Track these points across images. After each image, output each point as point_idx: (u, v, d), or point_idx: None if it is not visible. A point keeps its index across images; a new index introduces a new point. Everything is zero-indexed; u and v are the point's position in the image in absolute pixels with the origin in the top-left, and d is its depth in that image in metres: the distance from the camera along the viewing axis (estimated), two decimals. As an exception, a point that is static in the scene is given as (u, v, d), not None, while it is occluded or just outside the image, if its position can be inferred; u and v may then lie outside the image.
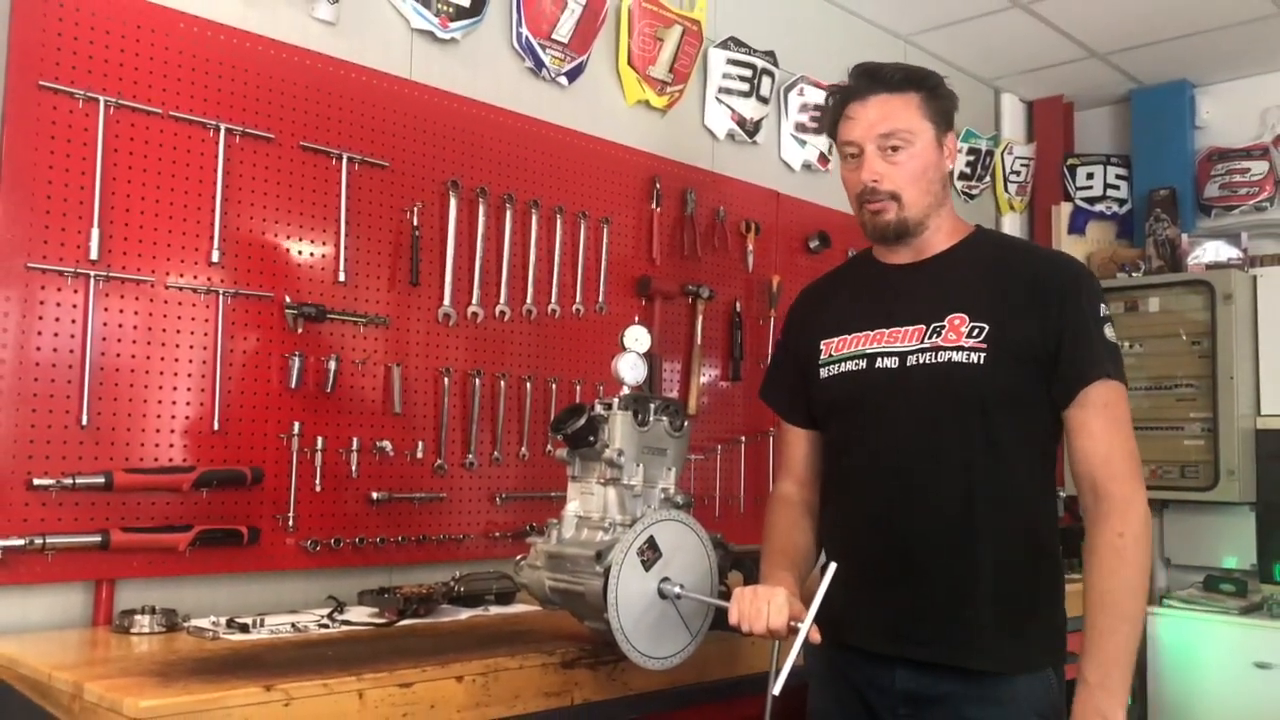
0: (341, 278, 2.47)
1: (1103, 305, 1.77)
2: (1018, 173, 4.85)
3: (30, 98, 2.06)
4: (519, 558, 2.04)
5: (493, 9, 2.85)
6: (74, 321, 2.10)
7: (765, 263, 3.52)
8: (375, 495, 2.49)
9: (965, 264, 1.84)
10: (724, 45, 3.49)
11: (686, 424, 2.08)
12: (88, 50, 2.13)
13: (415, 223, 2.61)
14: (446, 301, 2.66)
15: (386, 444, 2.50)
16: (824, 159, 3.79)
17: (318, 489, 2.40)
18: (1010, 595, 1.72)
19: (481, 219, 2.73)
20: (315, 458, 2.39)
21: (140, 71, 2.20)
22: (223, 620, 2.06)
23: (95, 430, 2.11)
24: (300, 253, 2.42)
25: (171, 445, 2.21)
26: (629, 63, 3.20)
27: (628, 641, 1.77)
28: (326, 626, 2.10)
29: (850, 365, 1.85)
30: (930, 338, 1.77)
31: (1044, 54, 4.43)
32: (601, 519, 1.95)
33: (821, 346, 1.91)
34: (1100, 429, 1.71)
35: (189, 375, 2.24)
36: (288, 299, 2.38)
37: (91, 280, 2.11)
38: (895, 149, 1.79)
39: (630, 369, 2.03)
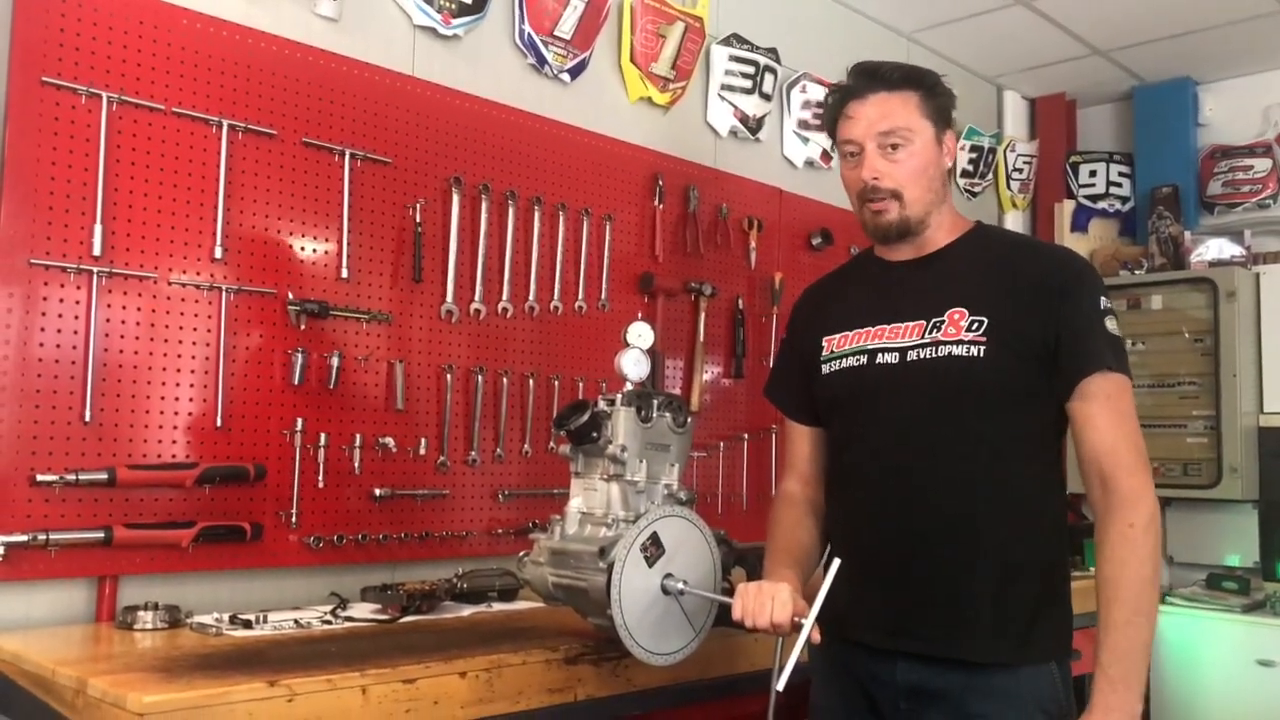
0: (344, 274, 2.47)
1: (1104, 298, 1.77)
2: (1020, 170, 4.85)
3: (33, 93, 2.06)
4: (522, 554, 2.04)
5: (495, 6, 2.84)
6: (77, 318, 2.09)
7: (768, 260, 3.52)
8: (378, 492, 2.49)
9: (966, 259, 1.84)
10: (726, 42, 3.49)
11: (690, 420, 2.08)
12: (90, 46, 2.13)
13: (418, 219, 2.61)
14: (449, 298, 2.66)
15: (389, 440, 2.49)
16: (826, 156, 3.79)
17: (320, 485, 2.39)
18: (1012, 589, 1.72)
19: (484, 216, 2.73)
20: (318, 454, 2.39)
21: (143, 67, 2.20)
22: (226, 616, 2.06)
23: (98, 426, 2.11)
24: (303, 249, 2.42)
25: (174, 442, 2.21)
26: (631, 59, 3.20)
27: (631, 638, 1.77)
28: (330, 623, 2.10)
29: (851, 361, 1.86)
30: (930, 332, 1.78)
31: (1046, 51, 4.42)
32: (605, 515, 1.95)
33: (824, 343, 1.91)
34: (1105, 421, 1.71)
35: (192, 371, 2.24)
36: (290, 295, 2.38)
37: (94, 276, 2.11)
38: (895, 147, 1.80)
39: (633, 365, 2.03)
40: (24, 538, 1.98)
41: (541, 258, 2.86)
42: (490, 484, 2.73)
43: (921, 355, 1.77)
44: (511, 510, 2.76)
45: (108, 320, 2.13)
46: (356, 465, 2.45)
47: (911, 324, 1.80)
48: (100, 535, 2.06)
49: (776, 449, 3.36)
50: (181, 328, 2.23)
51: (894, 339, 1.81)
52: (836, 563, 1.64)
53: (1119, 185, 4.77)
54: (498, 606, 2.37)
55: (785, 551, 1.88)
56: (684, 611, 1.85)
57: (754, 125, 3.58)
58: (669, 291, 3.18)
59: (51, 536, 2.01)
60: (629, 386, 2.01)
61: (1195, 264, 4.33)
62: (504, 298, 2.77)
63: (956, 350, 1.74)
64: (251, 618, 2.05)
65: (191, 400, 2.24)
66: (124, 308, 2.16)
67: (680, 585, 1.82)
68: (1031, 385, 1.74)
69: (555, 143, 2.94)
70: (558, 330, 2.90)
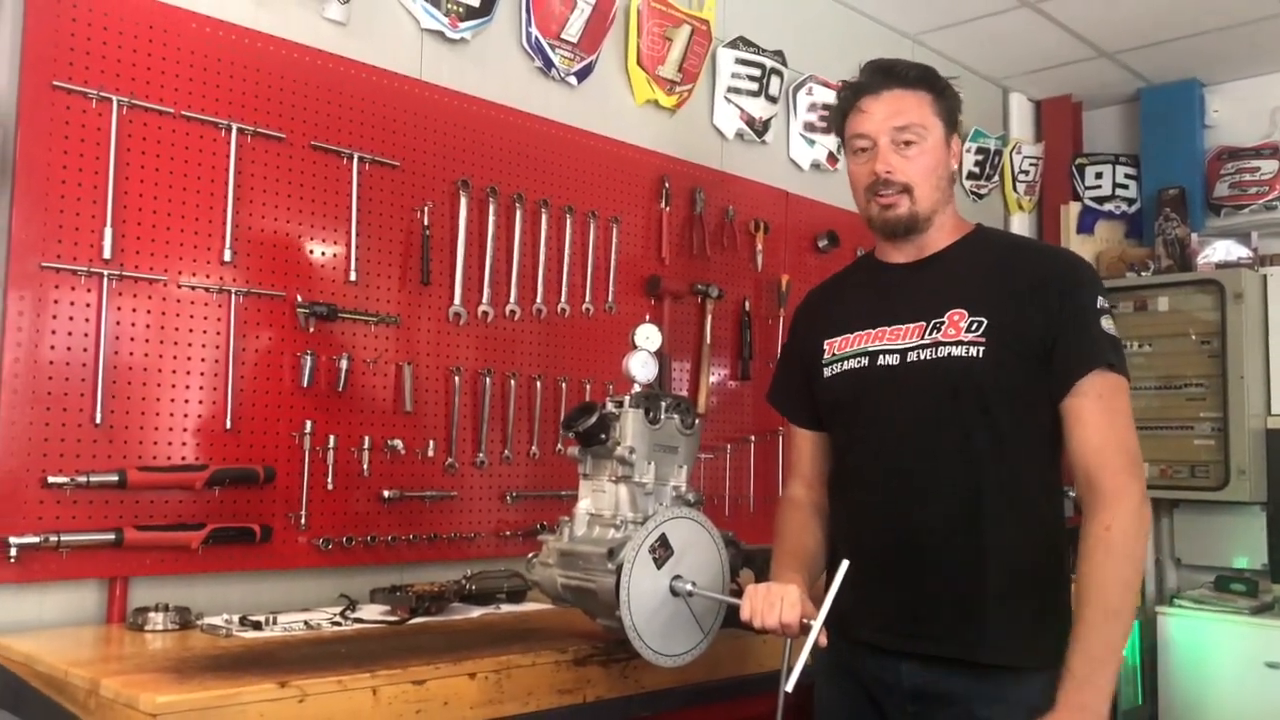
0: (353, 277, 2.48)
1: (1101, 298, 1.77)
2: (1026, 172, 4.85)
3: (44, 98, 2.07)
4: (531, 555, 2.05)
5: (502, 9, 2.85)
6: (87, 320, 2.10)
7: (774, 262, 3.52)
8: (386, 494, 2.49)
9: (965, 261, 1.85)
10: (733, 45, 3.49)
11: (698, 422, 2.08)
12: (100, 50, 2.14)
13: (426, 222, 2.62)
14: (457, 301, 2.66)
15: (398, 443, 2.50)
16: (833, 158, 3.79)
17: (329, 487, 2.40)
18: (1018, 590, 1.72)
19: (491, 218, 2.74)
20: (327, 456, 2.40)
21: (153, 71, 2.21)
22: (235, 618, 2.07)
23: (109, 429, 2.12)
24: (312, 252, 2.43)
25: (184, 444, 2.22)
26: (638, 62, 3.21)
27: (640, 639, 1.78)
28: (339, 624, 2.11)
29: (852, 363, 1.86)
30: (930, 334, 1.78)
31: (1052, 53, 4.42)
32: (613, 516, 1.95)
33: (825, 346, 1.92)
34: (1094, 420, 1.70)
35: (201, 374, 2.25)
36: (299, 298, 2.39)
37: (105, 279, 2.12)
38: (909, 143, 1.81)
39: (641, 367, 2.03)
40: (36, 539, 1.99)
41: (549, 260, 2.87)
42: (498, 486, 2.74)
43: (921, 356, 1.78)
44: (519, 512, 2.76)
45: (118, 323, 2.14)
46: (365, 467, 2.46)
47: (911, 325, 1.81)
48: (111, 537, 2.07)
49: (783, 450, 3.36)
50: (191, 330, 2.24)
51: (894, 340, 1.82)
52: (845, 564, 1.64)
53: (1125, 187, 4.77)
54: (506, 608, 2.37)
55: (792, 555, 1.88)
56: (692, 613, 1.85)
57: (760, 128, 3.58)
58: (675, 294, 3.18)
59: (63, 538, 2.02)
60: (636, 388, 2.02)
61: (1202, 266, 4.33)
62: (512, 300, 2.78)
63: (956, 351, 1.75)
64: (261, 619, 2.05)
65: (201, 402, 2.25)
66: (134, 310, 2.17)
67: (689, 586, 1.82)
68: (1031, 385, 1.74)
69: (562, 145, 2.94)
70: (565, 332, 2.91)
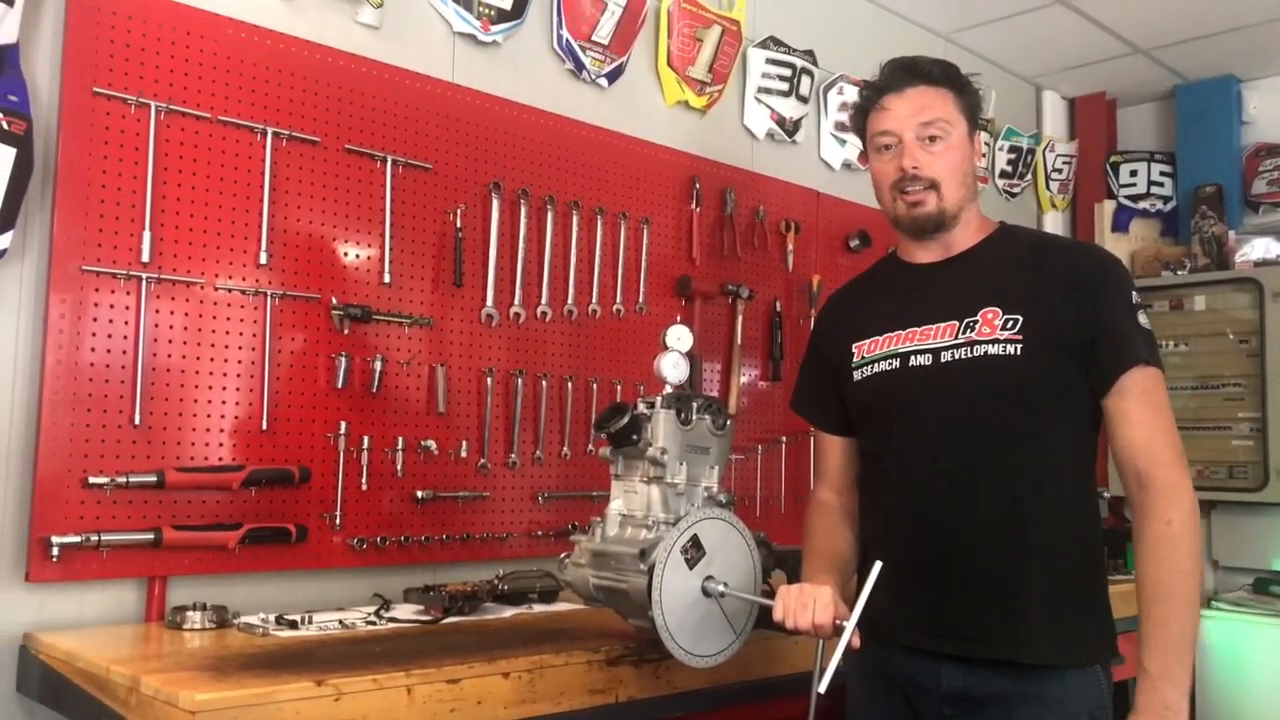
0: (386, 279, 2.50)
1: (1134, 292, 1.77)
2: (1059, 170, 4.81)
3: (85, 104, 2.10)
4: (563, 555, 2.06)
5: (533, 12, 2.87)
6: (126, 323, 2.14)
7: (805, 262, 3.52)
8: (420, 494, 2.51)
9: (992, 259, 1.84)
10: (763, 45, 3.49)
11: (729, 423, 2.08)
12: (139, 57, 2.17)
13: (458, 224, 2.63)
14: (489, 302, 2.68)
15: (431, 443, 2.52)
16: (864, 157, 3.77)
17: (364, 488, 2.42)
18: (1059, 589, 1.71)
19: (523, 220, 2.75)
20: (361, 457, 2.42)
21: (190, 77, 2.24)
22: (272, 617, 2.09)
23: (147, 430, 2.15)
24: (346, 254, 2.45)
25: (221, 445, 2.25)
26: (668, 63, 3.21)
27: (672, 639, 1.78)
28: (374, 623, 2.12)
29: (883, 365, 1.85)
30: (964, 332, 1.77)
31: (1086, 50, 4.38)
32: (645, 517, 1.96)
33: (853, 349, 1.91)
34: (1141, 416, 1.70)
35: (238, 375, 2.27)
36: (334, 300, 2.41)
37: (143, 282, 2.15)
38: (934, 139, 1.80)
39: (672, 367, 2.03)
40: (77, 539, 2.02)
41: (580, 261, 2.88)
42: (530, 486, 2.75)
43: (957, 356, 1.77)
44: (551, 512, 2.78)
45: (156, 325, 2.17)
46: (399, 468, 2.48)
47: (943, 325, 1.80)
48: (150, 536, 2.10)
49: (813, 452, 3.35)
50: (228, 332, 2.26)
51: (926, 340, 1.80)
52: (878, 565, 1.63)
53: (1160, 185, 4.72)
54: (538, 608, 2.38)
55: (823, 557, 1.88)
56: (724, 613, 1.85)
57: (791, 127, 3.58)
58: (706, 294, 3.18)
59: (103, 537, 2.05)
60: (668, 389, 2.02)
61: (1240, 264, 4.28)
62: (543, 301, 2.79)
63: (993, 349, 1.74)
64: (297, 618, 2.08)
65: (238, 404, 2.27)
66: (171, 313, 2.19)
67: (721, 587, 1.82)
68: (1069, 382, 1.73)
69: (593, 147, 2.95)
70: (596, 333, 2.92)
